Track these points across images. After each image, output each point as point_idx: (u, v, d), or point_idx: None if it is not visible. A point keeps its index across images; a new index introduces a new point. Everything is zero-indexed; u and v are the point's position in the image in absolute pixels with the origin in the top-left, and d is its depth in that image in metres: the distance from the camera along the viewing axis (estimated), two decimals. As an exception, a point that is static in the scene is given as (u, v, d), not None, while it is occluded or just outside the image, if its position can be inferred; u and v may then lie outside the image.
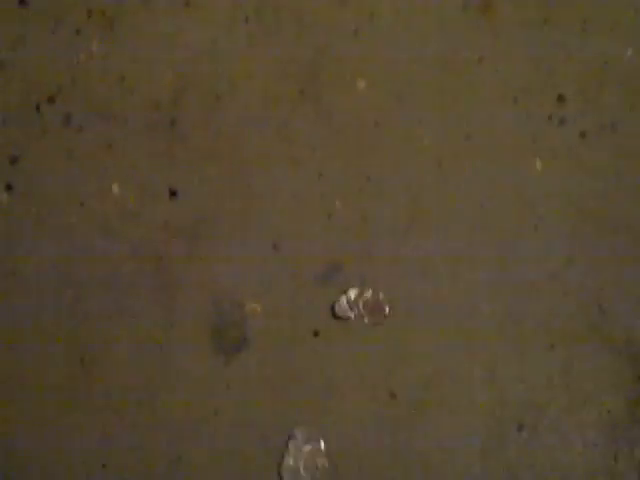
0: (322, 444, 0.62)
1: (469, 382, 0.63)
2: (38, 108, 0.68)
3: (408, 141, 0.70)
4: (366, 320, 0.65)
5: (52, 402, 0.60)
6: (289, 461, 0.61)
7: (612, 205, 0.68)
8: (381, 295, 0.65)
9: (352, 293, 0.66)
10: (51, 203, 0.65)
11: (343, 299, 0.65)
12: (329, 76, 0.71)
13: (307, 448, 0.61)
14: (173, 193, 0.67)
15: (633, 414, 0.62)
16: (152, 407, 0.61)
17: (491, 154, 0.70)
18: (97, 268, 0.64)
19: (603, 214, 0.68)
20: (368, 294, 0.66)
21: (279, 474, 0.61)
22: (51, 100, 0.69)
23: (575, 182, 0.69)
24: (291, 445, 0.61)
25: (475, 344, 0.64)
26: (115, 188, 0.66)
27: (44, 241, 0.64)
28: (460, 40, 0.72)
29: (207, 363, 0.62)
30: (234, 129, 0.69)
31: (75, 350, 0.61)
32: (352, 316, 0.65)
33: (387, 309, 0.66)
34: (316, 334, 0.64)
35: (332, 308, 0.65)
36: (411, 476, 0.61)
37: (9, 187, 0.65)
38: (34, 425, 0.59)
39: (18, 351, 0.61)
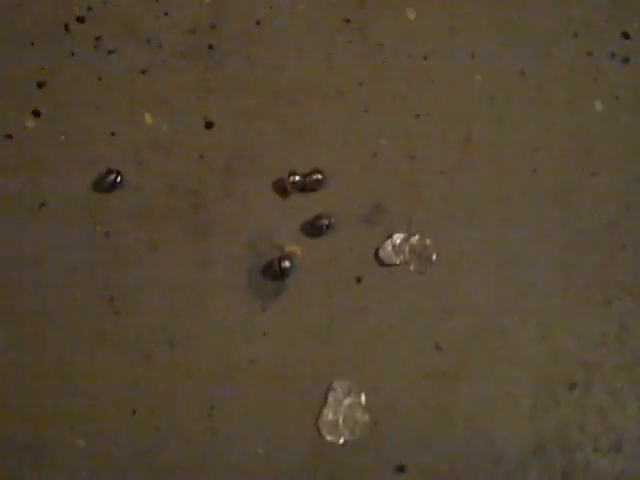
0: (363, 398, 0.58)
1: (519, 337, 0.59)
2: (67, 28, 0.62)
3: (459, 76, 0.65)
4: (412, 267, 0.61)
5: (81, 343, 0.57)
6: (328, 414, 0.57)
7: (677, 151, 0.63)
8: (428, 241, 0.61)
9: (397, 238, 0.61)
10: (80, 131, 0.61)
11: (388, 244, 0.61)
12: (377, 4, 0.66)
13: (347, 401, 0.57)
14: (209, 124, 0.62)
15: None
16: (184, 352, 0.57)
17: (548, 92, 0.65)
18: (129, 202, 0.59)
19: (667, 160, 0.63)
20: (414, 239, 0.61)
21: (317, 427, 0.56)
22: (81, 20, 0.63)
23: (637, 125, 0.63)
24: (330, 398, 0.57)
25: (527, 297, 0.60)
26: (148, 117, 0.61)
27: (73, 171, 0.60)
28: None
29: (243, 308, 0.58)
30: (275, 57, 0.65)
31: (105, 288, 0.57)
32: (397, 262, 0.60)
33: (434, 256, 0.61)
34: (359, 280, 0.60)
35: (376, 253, 0.60)
36: (455, 434, 0.57)
37: (36, 113, 0.61)
38: (61, 368, 0.55)
39: (45, 288, 0.57)
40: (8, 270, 0.62)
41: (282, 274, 0.62)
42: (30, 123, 0.64)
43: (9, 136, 0.64)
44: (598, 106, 0.69)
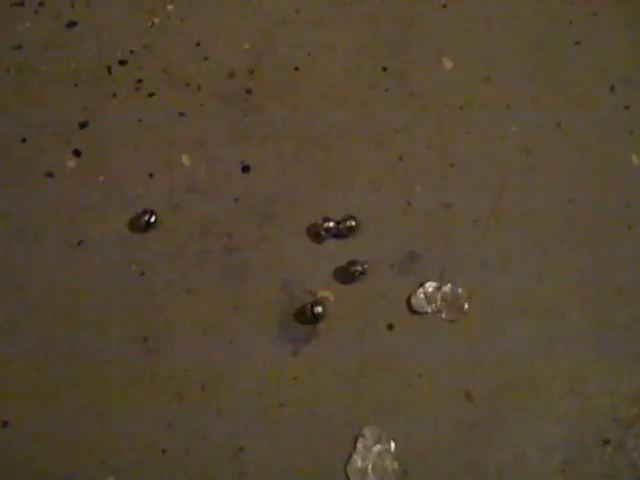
0: (392, 445, 0.59)
1: (552, 390, 0.61)
2: (110, 70, 0.65)
3: (495, 126, 0.67)
4: (443, 316, 0.62)
5: (113, 381, 0.60)
6: (357, 461, 0.58)
7: None
8: (460, 290, 0.62)
9: (430, 286, 0.62)
10: (119, 172, 0.64)
11: (420, 292, 0.62)
12: (414, 53, 0.68)
13: (376, 448, 0.58)
14: (246, 168, 0.64)
15: None
16: (215, 393, 0.59)
17: (583, 145, 0.67)
18: (164, 243, 0.61)
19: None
20: (447, 288, 0.62)
21: (346, 474, 0.57)
22: (123, 63, 0.66)
23: (674, 180, 0.65)
24: (360, 444, 0.58)
25: (560, 349, 0.62)
26: (185, 159, 0.63)
27: (111, 211, 0.62)
28: (557, 20, 0.68)
29: (275, 352, 0.59)
30: (312, 103, 0.67)
31: (139, 328, 0.59)
32: (429, 310, 0.62)
33: (466, 305, 0.62)
34: (390, 327, 0.61)
35: (408, 301, 0.61)
36: (485, 486, 0.58)
37: (77, 153, 0.63)
38: (94, 404, 0.56)
39: (80, 326, 0.59)
40: (44, 306, 0.64)
41: (314, 319, 0.64)
42: (71, 163, 0.67)
43: (50, 174, 0.67)
44: (634, 160, 0.70)
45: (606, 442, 0.63)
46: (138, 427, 0.62)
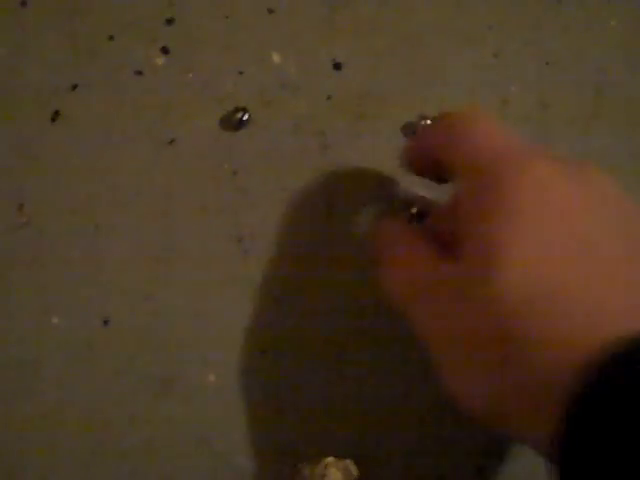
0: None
1: None
2: (196, -35, 0.63)
3: (594, 22, 0.63)
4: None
5: (210, 281, 0.58)
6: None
7: None
8: (560, 190, 0.59)
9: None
10: (208, 69, 0.61)
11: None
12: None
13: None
14: (337, 65, 0.61)
15: None
16: (312, 295, 0.56)
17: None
18: (257, 141, 0.59)
19: None
20: (546, 187, 0.59)
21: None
22: (208, -42, 0.63)
23: None
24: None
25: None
26: (276, 57, 0.61)
27: (201, 109, 0.61)
28: None
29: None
30: (404, -1, 0.64)
31: (234, 228, 0.57)
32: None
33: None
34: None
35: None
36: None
37: (165, 50, 0.60)
38: (191, 303, 0.56)
39: (174, 225, 0.57)
40: (138, 206, 0.63)
41: (416, 219, 0.62)
42: (159, 60, 0.65)
43: (139, 72, 0.65)
44: None
45: None
46: (236, 328, 0.61)
